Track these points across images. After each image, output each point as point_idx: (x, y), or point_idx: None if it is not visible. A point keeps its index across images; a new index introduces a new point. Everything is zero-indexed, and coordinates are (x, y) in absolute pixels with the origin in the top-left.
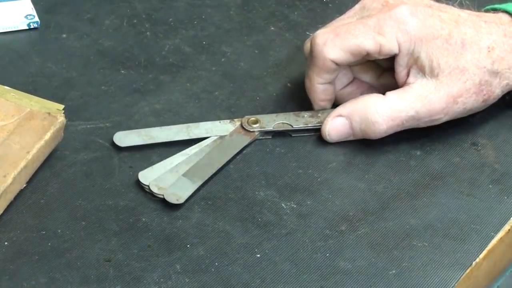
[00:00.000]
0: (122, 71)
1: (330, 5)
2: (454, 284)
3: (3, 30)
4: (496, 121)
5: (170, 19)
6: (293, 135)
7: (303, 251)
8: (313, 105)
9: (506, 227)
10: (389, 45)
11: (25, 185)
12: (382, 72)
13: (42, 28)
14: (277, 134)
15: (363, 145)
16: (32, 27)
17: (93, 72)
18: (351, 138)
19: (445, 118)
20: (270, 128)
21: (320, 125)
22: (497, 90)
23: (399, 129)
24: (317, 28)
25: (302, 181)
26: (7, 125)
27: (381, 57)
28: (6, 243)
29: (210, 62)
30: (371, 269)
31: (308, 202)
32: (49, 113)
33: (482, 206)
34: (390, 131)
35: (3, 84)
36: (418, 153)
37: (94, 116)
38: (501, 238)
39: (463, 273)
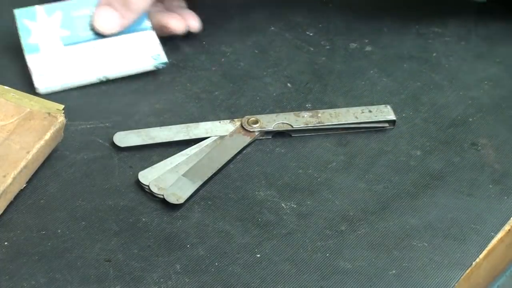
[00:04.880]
0: None
1: (330, 5)
2: (454, 284)
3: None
4: (496, 121)
5: None
6: (293, 135)
7: (303, 251)
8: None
9: (506, 227)
10: None
11: (25, 185)
12: None
13: None
14: (277, 134)
15: (363, 145)
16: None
17: None
18: (122, 21)
19: None
20: (270, 128)
21: (321, 125)
22: None
23: None
24: (317, 28)
25: (302, 181)
26: (7, 125)
27: None
28: (6, 243)
29: (210, 62)
30: (371, 269)
31: (308, 202)
32: (49, 113)
33: (482, 206)
34: None
35: (3, 84)
36: (418, 153)
37: (94, 116)
38: (501, 238)
39: (463, 273)
